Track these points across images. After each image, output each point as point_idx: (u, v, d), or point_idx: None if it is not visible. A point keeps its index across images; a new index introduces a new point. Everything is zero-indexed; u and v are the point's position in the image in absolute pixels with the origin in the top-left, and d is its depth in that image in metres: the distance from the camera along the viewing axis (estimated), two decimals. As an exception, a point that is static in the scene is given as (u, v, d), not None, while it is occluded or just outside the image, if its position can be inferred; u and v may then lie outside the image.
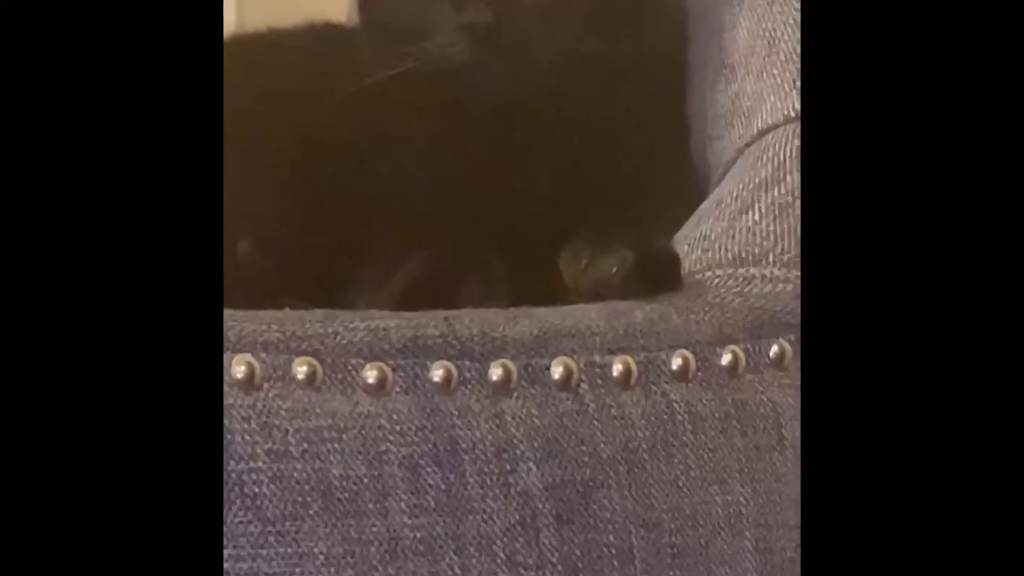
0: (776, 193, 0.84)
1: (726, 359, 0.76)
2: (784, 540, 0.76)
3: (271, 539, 0.66)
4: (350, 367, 0.69)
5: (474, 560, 0.69)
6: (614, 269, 0.77)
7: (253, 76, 1.04)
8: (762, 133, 0.89)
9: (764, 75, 0.91)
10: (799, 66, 0.87)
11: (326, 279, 0.88)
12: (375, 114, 0.94)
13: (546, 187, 0.90)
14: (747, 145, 0.90)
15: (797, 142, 0.85)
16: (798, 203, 0.82)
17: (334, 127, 0.97)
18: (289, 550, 0.66)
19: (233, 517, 0.66)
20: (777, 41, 0.91)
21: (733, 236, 0.83)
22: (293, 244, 0.94)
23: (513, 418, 0.71)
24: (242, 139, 0.98)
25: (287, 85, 1.02)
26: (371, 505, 0.68)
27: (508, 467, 0.71)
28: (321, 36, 1.06)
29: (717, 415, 0.75)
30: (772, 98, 0.90)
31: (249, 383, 0.67)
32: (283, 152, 0.98)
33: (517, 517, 0.70)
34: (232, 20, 2.09)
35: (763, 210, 0.83)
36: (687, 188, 0.94)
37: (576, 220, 0.83)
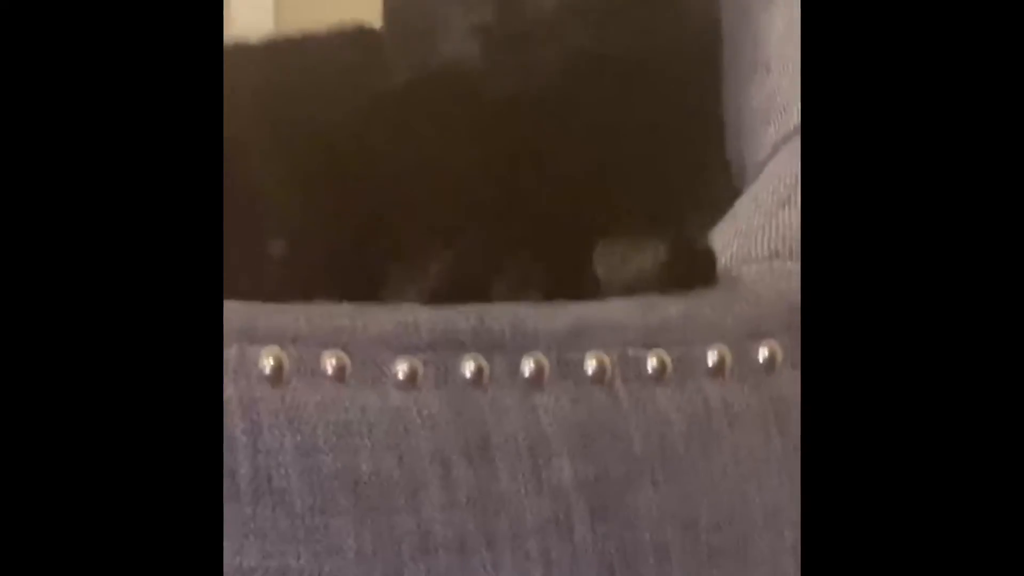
0: (813, 188, 0.83)
1: (763, 354, 0.75)
2: (824, 539, 0.74)
3: (300, 534, 0.65)
4: (380, 361, 0.68)
5: (507, 557, 0.68)
6: (648, 263, 0.76)
7: (285, 79, 1.04)
8: (798, 129, 0.88)
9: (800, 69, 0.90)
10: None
11: (359, 277, 0.88)
12: (402, 114, 0.94)
13: (580, 183, 0.89)
14: (784, 141, 0.89)
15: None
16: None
17: (364, 127, 0.96)
18: (319, 546, 0.65)
19: (261, 511, 0.65)
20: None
21: (769, 231, 0.82)
22: (326, 243, 0.94)
23: (546, 412, 0.70)
24: (275, 140, 0.98)
25: (318, 87, 1.02)
26: (402, 500, 0.67)
27: (541, 462, 0.69)
28: (351, 39, 1.06)
29: (754, 411, 0.74)
30: (809, 93, 0.89)
31: (277, 376, 0.66)
32: (315, 152, 0.97)
33: (551, 513, 0.69)
34: (270, 23, 2.11)
35: (800, 205, 0.82)
36: (723, 184, 0.93)
37: (611, 216, 0.82)
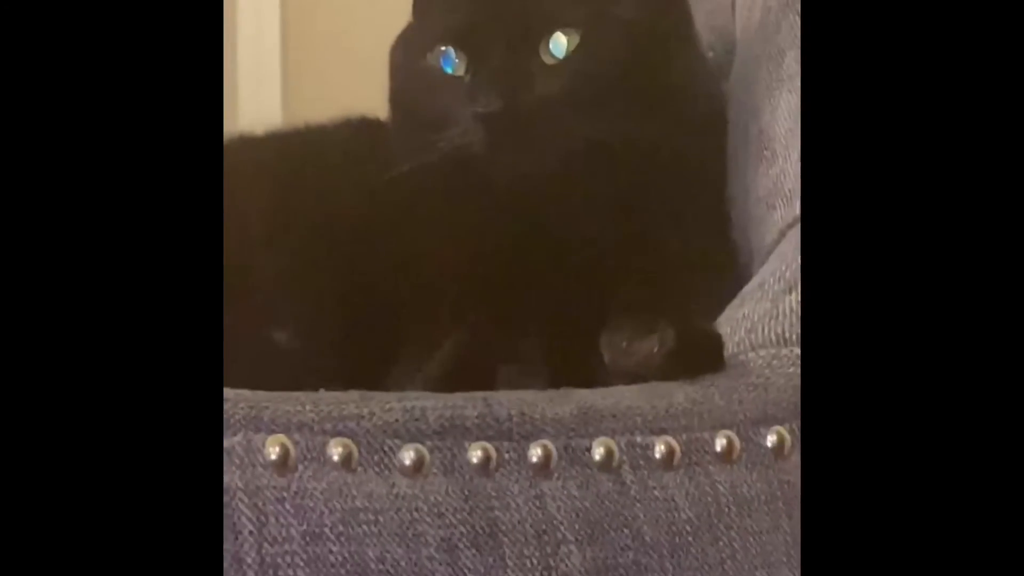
0: (820, 273, 0.83)
1: (771, 440, 0.75)
2: (835, 626, 0.73)
3: (306, 624, 0.65)
4: (386, 448, 0.68)
5: (516, 646, 0.68)
6: (655, 349, 0.76)
7: (291, 170, 1.04)
8: (804, 214, 0.88)
9: (805, 156, 0.90)
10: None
11: (365, 366, 0.88)
12: (407, 202, 0.95)
13: (585, 270, 0.89)
14: (789, 226, 0.89)
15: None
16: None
17: (369, 216, 0.97)
18: (325, 635, 0.65)
19: (268, 602, 0.64)
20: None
21: (776, 316, 0.82)
22: (331, 332, 0.94)
23: (553, 499, 0.70)
24: (279, 230, 0.98)
25: (323, 177, 1.02)
26: (409, 589, 0.66)
27: (549, 550, 0.69)
28: (355, 130, 1.07)
29: (763, 497, 0.74)
30: (814, 179, 0.89)
31: (283, 464, 0.66)
32: (320, 242, 0.97)
33: (559, 601, 0.69)
34: (278, 115, 2.13)
35: (807, 290, 0.82)
36: (729, 270, 0.93)
37: (616, 302, 0.82)
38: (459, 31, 0.93)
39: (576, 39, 0.91)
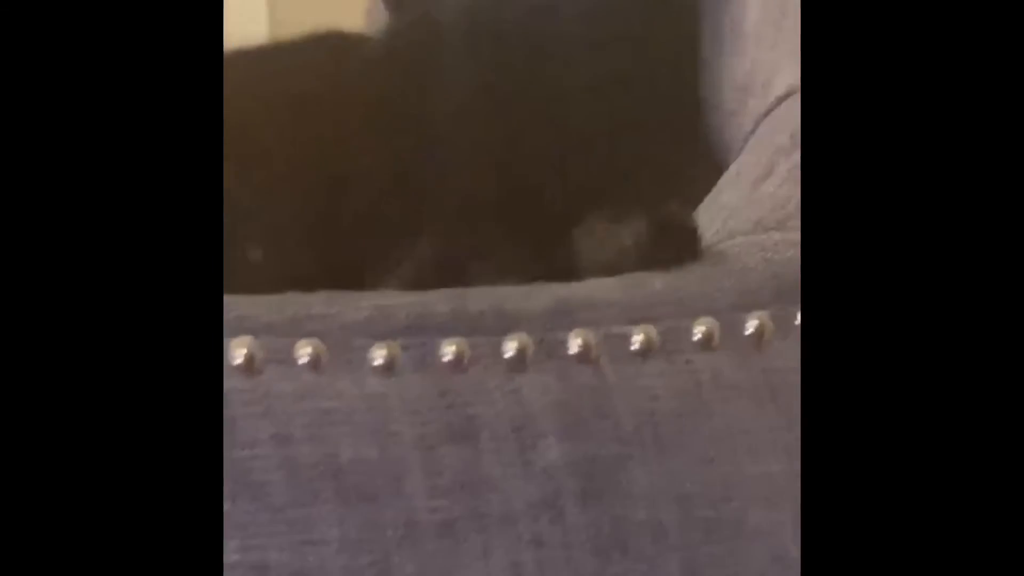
0: (796, 157, 0.81)
1: (751, 325, 0.73)
2: (825, 511, 0.72)
3: (281, 527, 0.63)
4: (356, 347, 0.67)
5: (497, 540, 0.66)
6: (630, 242, 0.75)
7: (260, 87, 1.02)
8: (779, 100, 0.87)
9: (779, 43, 0.88)
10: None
11: (339, 276, 0.86)
12: (375, 107, 0.93)
13: (558, 165, 0.88)
14: (764, 115, 0.87)
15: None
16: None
17: (337, 125, 0.95)
18: (301, 537, 0.64)
19: (240, 506, 0.63)
20: (789, 8, 0.88)
21: (753, 203, 0.80)
22: (306, 247, 0.92)
23: (530, 393, 0.69)
24: (249, 148, 0.97)
25: (293, 93, 1.01)
26: (385, 488, 0.65)
27: (528, 443, 0.68)
28: (327, 44, 1.05)
29: (745, 384, 0.72)
30: (788, 66, 0.87)
31: (250, 367, 0.65)
32: (291, 156, 0.96)
33: (540, 495, 0.68)
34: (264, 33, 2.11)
35: (784, 175, 0.81)
36: (704, 162, 0.92)
37: (590, 197, 0.80)
38: None
39: None
